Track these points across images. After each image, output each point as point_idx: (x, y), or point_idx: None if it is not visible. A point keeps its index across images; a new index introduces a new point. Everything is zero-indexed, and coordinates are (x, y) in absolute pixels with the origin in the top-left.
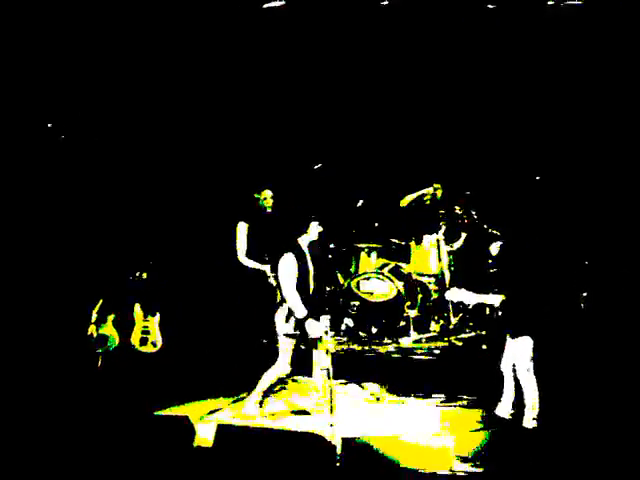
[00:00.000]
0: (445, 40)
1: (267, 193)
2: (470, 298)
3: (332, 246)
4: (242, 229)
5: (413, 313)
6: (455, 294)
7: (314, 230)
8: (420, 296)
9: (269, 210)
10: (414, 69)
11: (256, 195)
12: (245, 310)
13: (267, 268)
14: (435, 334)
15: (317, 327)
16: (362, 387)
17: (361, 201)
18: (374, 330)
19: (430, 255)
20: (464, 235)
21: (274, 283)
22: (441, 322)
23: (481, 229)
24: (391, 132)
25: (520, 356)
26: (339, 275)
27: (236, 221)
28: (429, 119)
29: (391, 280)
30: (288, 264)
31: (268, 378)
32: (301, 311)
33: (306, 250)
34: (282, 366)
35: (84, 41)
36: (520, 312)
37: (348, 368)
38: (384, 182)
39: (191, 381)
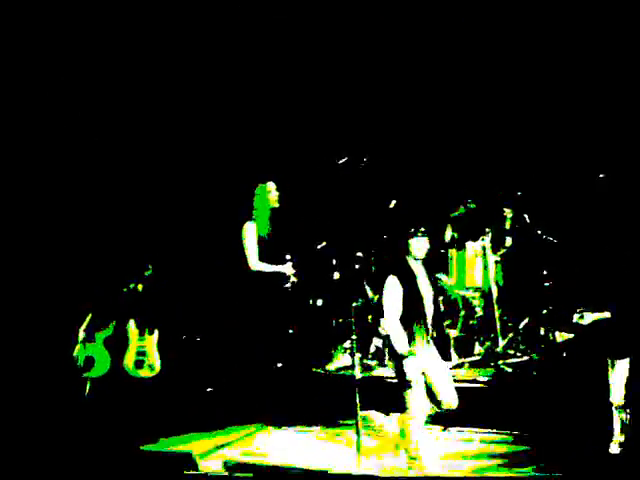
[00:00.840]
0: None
1: (271, 186)
2: None
3: (359, 254)
4: (251, 230)
5: (454, 333)
6: None
7: (418, 244)
8: (462, 313)
9: (277, 205)
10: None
11: (258, 190)
12: (259, 327)
13: (287, 268)
14: (479, 358)
15: (413, 369)
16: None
17: (394, 202)
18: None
19: (474, 265)
20: (509, 240)
21: (290, 285)
22: (487, 344)
23: (534, 235)
24: (427, 123)
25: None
26: (367, 288)
27: (241, 221)
28: (473, 110)
29: None
30: (390, 289)
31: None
32: (400, 347)
33: (416, 270)
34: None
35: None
36: (630, 330)
37: (377, 396)
38: (420, 179)
39: (194, 411)
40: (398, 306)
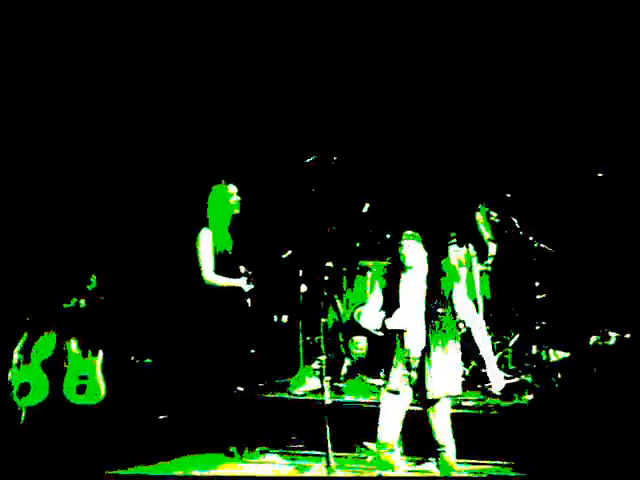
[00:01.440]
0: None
1: (232, 189)
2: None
3: (329, 265)
4: (206, 238)
5: None
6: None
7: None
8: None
9: (237, 210)
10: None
11: (216, 193)
12: (216, 347)
13: (243, 282)
14: (466, 379)
15: (397, 380)
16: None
17: (367, 205)
18: (383, 375)
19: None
20: (493, 247)
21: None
22: (472, 364)
23: (525, 241)
24: (403, 117)
25: None
26: (338, 302)
27: (196, 228)
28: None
29: None
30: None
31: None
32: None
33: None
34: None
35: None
36: None
37: (350, 423)
38: (397, 179)
39: (144, 442)
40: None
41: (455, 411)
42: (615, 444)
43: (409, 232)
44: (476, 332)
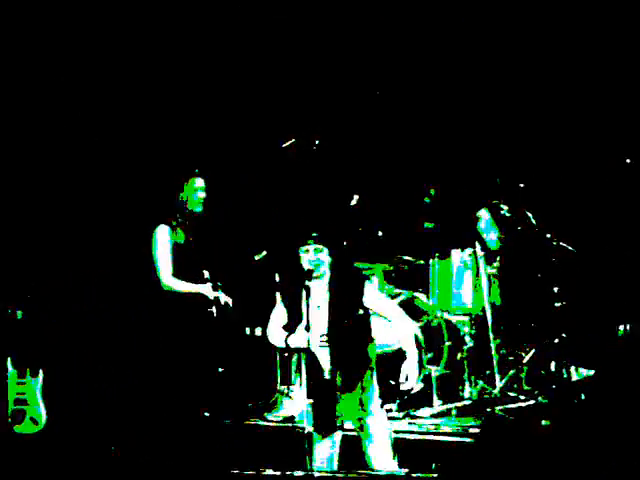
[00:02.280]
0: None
1: (198, 183)
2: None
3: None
4: (163, 236)
5: (437, 370)
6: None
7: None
8: (448, 344)
9: (200, 209)
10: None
11: (185, 190)
12: (178, 365)
13: (207, 289)
14: (470, 403)
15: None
16: None
17: (356, 197)
18: None
19: (463, 281)
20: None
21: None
22: (480, 384)
23: (541, 240)
24: (397, 94)
25: None
26: None
27: (152, 225)
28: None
29: None
30: None
31: None
32: None
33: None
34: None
35: None
36: None
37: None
38: (389, 167)
39: (94, 476)
40: None
41: (459, 439)
42: None
43: (314, 234)
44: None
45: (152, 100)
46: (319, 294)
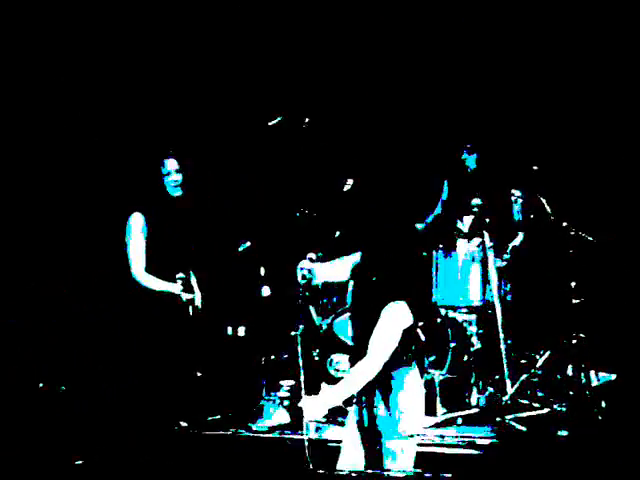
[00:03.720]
0: None
1: (171, 165)
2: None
3: (311, 256)
4: (136, 225)
5: (440, 375)
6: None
7: None
8: (452, 346)
9: (178, 193)
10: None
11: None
12: (150, 369)
13: (176, 287)
14: (478, 411)
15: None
16: None
17: (350, 181)
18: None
19: (470, 275)
20: (520, 237)
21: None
22: (488, 390)
23: (558, 229)
24: (395, 64)
25: None
26: (312, 310)
27: (126, 212)
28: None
29: None
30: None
31: None
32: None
33: None
34: None
35: None
36: None
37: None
38: (387, 146)
39: None
40: None
41: (465, 452)
42: None
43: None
44: None
45: (123, 72)
46: None
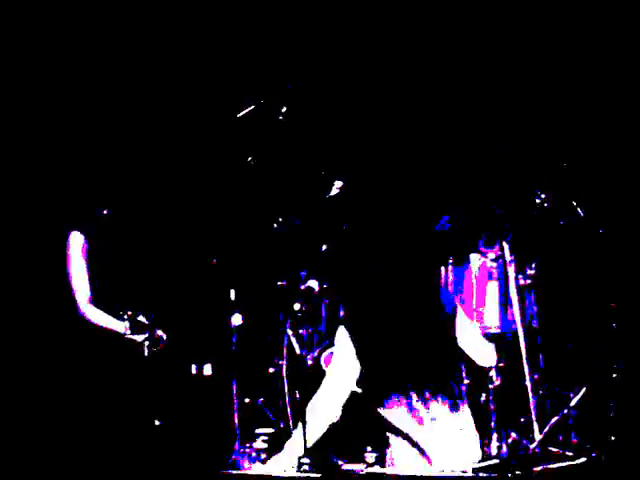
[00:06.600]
0: None
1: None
2: None
3: (281, 283)
4: (77, 246)
5: None
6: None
7: None
8: (465, 382)
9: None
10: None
11: None
12: (109, 416)
13: (122, 326)
14: (498, 461)
15: None
16: None
17: (339, 184)
18: (369, 449)
19: (486, 294)
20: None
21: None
22: (511, 436)
23: (593, 239)
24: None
25: None
26: (293, 341)
27: (65, 230)
28: None
29: None
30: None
31: None
32: None
33: None
34: None
35: None
36: None
37: None
38: (387, 139)
39: None
40: None
41: None
42: None
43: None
44: None
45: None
46: None
